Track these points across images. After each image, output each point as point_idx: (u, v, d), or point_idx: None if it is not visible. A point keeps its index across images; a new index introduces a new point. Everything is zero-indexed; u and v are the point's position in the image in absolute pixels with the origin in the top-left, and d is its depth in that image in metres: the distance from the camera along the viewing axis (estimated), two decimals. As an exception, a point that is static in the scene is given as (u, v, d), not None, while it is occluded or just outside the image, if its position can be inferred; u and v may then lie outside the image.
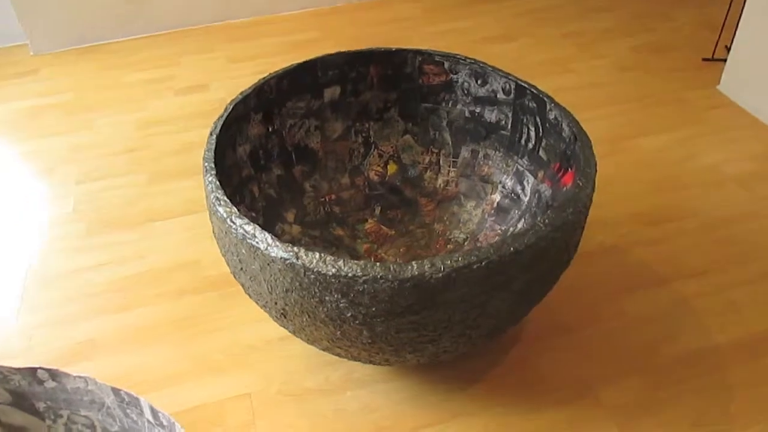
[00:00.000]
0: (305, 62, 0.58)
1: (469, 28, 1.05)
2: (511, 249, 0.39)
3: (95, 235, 0.68)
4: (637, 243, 0.65)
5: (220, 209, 0.43)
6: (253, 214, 0.57)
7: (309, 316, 0.42)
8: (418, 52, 0.59)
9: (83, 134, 0.83)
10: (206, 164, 0.46)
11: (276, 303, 0.43)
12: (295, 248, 0.39)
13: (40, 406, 0.36)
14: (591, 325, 0.57)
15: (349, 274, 0.38)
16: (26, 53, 1.03)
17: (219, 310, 0.60)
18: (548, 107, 0.53)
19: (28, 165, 0.79)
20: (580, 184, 0.44)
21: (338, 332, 0.42)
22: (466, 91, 0.60)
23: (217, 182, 0.44)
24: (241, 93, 0.54)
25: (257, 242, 0.41)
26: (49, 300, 0.61)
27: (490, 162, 0.61)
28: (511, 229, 0.58)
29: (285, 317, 0.44)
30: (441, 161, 0.64)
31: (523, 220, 0.58)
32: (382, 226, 0.64)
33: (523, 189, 0.59)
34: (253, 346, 0.56)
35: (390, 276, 0.38)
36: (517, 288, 0.42)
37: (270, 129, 0.59)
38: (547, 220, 0.41)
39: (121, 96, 0.90)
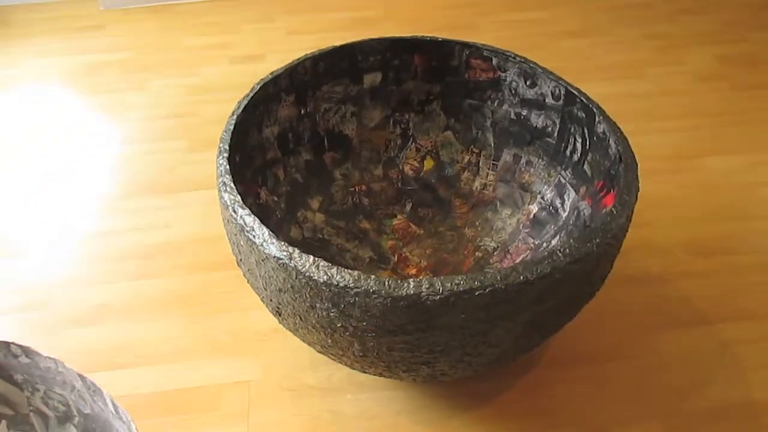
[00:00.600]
0: (343, 46, 0.55)
1: (545, 19, 0.99)
2: (521, 278, 0.36)
3: (128, 199, 0.68)
4: (684, 274, 0.59)
5: (225, 195, 0.41)
6: (275, 198, 0.55)
7: (301, 319, 0.40)
8: (465, 45, 0.55)
9: (135, 94, 0.84)
10: (221, 145, 0.45)
11: (271, 300, 0.41)
12: (290, 249, 0.37)
13: (18, 377, 0.36)
14: (616, 358, 0.53)
15: (341, 284, 0.36)
16: (96, 7, 1.04)
17: (233, 291, 0.59)
18: (597, 119, 0.49)
19: (77, 120, 0.80)
20: (614, 212, 0.40)
21: (329, 340, 0.40)
22: (513, 92, 0.56)
23: (227, 166, 0.43)
24: (271, 73, 0.52)
25: (254, 236, 0.39)
26: (73, 259, 0.62)
27: (531, 170, 0.57)
28: (545, 244, 0.54)
29: (279, 315, 0.42)
30: (481, 162, 0.60)
31: (558, 236, 0.54)
32: (411, 224, 0.61)
33: (562, 203, 0.54)
34: (260, 333, 0.55)
35: (383, 292, 0.35)
36: (525, 319, 0.38)
37: (302, 112, 0.57)
38: (567, 250, 0.37)
39: (177, 59, 0.90)
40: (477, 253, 0.58)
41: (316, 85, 0.56)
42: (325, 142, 0.59)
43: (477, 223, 0.60)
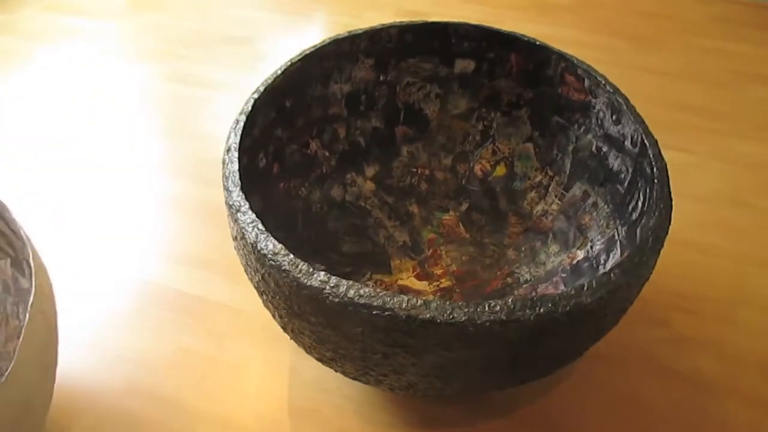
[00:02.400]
0: (436, 23, 0.52)
1: (746, 54, 0.84)
2: (492, 318, 0.32)
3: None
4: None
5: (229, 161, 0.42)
6: (327, 153, 0.55)
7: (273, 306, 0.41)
8: (562, 57, 0.49)
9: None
10: (247, 103, 0.45)
11: (251, 279, 0.42)
12: (258, 228, 0.37)
13: None
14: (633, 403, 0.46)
15: (295, 275, 0.35)
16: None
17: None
18: (656, 180, 0.41)
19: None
20: (617, 274, 0.34)
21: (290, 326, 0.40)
22: (600, 122, 0.49)
23: (238, 139, 0.43)
24: (348, 31, 0.51)
25: (232, 206, 0.40)
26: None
27: (594, 213, 0.51)
28: (571, 297, 0.48)
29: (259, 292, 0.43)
30: (551, 187, 0.55)
31: (586, 294, 0.47)
32: (460, 225, 0.58)
33: (605, 262, 0.48)
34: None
35: (357, 297, 0.34)
36: (502, 361, 0.35)
37: (381, 78, 0.55)
38: (554, 301, 0.33)
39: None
40: (508, 279, 0.54)
41: (401, 55, 0.54)
42: (401, 115, 0.57)
43: (523, 248, 0.55)
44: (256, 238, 0.36)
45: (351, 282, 0.33)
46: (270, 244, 0.35)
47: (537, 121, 0.54)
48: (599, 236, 0.49)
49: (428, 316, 0.32)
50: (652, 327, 0.53)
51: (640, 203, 0.45)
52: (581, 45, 0.82)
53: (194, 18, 0.87)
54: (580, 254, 0.51)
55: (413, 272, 0.55)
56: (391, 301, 0.33)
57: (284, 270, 0.34)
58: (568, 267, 0.51)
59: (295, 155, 0.53)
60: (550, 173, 0.54)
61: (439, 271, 0.56)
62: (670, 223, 0.38)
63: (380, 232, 0.57)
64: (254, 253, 0.36)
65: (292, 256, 0.35)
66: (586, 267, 0.49)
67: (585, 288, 0.33)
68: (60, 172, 0.65)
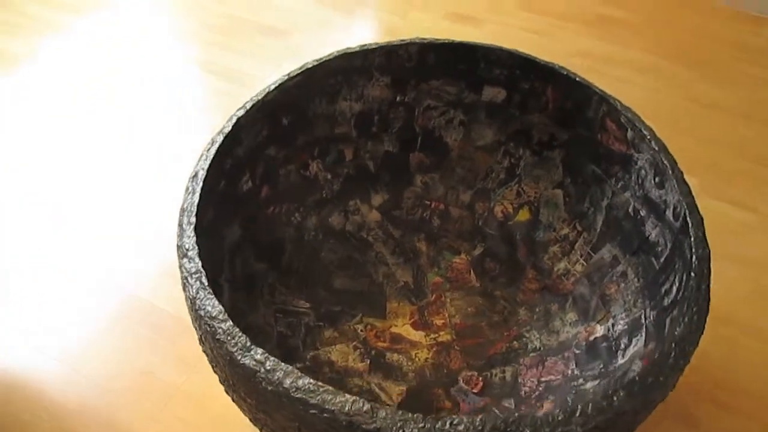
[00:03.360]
0: (463, 44, 0.45)
1: None
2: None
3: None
4: None
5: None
6: (329, 176, 0.50)
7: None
8: (604, 98, 0.42)
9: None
10: (229, 121, 0.40)
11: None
12: (201, 282, 0.32)
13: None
14: None
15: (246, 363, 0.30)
16: None
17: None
18: (693, 268, 0.34)
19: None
20: (622, 398, 0.27)
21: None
22: (640, 181, 0.42)
23: (207, 164, 0.37)
24: (361, 45, 0.45)
25: (180, 247, 0.34)
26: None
27: (622, 284, 0.43)
28: (580, 381, 0.41)
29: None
30: (577, 245, 0.47)
31: (598, 382, 0.40)
32: (471, 271, 0.51)
33: (626, 348, 0.40)
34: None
35: (293, 390, 0.29)
36: None
37: (398, 99, 0.49)
38: (535, 427, 0.26)
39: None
40: (515, 342, 0.47)
41: (423, 76, 0.48)
42: (419, 140, 0.51)
43: (537, 309, 0.48)
44: (196, 294, 0.30)
45: (289, 368, 0.28)
46: (209, 305, 0.30)
47: (570, 166, 0.47)
48: (624, 313, 0.42)
49: (373, 426, 0.26)
50: (677, 425, 0.45)
51: (674, 289, 0.37)
52: (638, 67, 0.73)
53: (238, 3, 0.82)
54: (600, 330, 0.43)
55: (410, 319, 0.49)
56: (333, 401, 0.27)
57: (218, 339, 0.29)
58: (584, 343, 0.44)
59: (291, 177, 0.47)
60: (579, 228, 0.47)
61: (439, 322, 0.49)
62: (701, 334, 0.30)
63: (380, 269, 0.51)
64: (192, 310, 0.31)
65: (230, 323, 0.29)
66: (603, 348, 0.42)
67: (578, 413, 0.27)
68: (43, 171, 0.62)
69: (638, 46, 0.76)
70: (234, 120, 0.39)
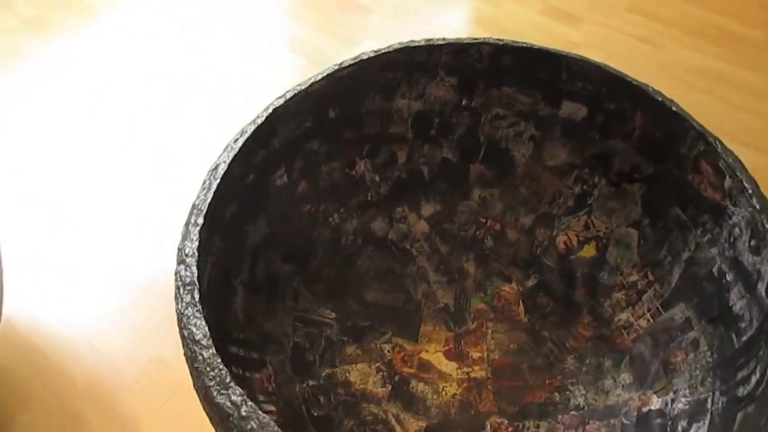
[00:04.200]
0: (544, 50, 0.39)
1: None
2: None
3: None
4: None
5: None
6: (377, 178, 0.45)
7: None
8: (702, 135, 0.35)
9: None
10: (266, 110, 0.36)
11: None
12: (192, 297, 0.29)
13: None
14: None
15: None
16: None
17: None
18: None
19: None
20: None
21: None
22: (732, 241, 0.35)
23: (229, 158, 0.33)
24: (427, 39, 0.40)
25: (181, 250, 0.31)
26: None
27: (691, 355, 0.37)
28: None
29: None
30: (645, 297, 0.41)
31: (644, 464, 0.35)
32: (521, 303, 0.46)
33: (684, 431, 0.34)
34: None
35: None
36: None
37: (464, 103, 0.44)
38: None
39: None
40: (557, 394, 0.41)
41: (494, 80, 0.42)
42: (482, 151, 0.46)
43: (587, 361, 0.42)
44: (185, 309, 0.27)
45: (265, 419, 0.24)
46: (194, 325, 0.26)
47: (651, 205, 0.41)
48: (688, 390, 0.36)
49: None
50: None
51: (753, 379, 0.31)
52: (754, 90, 0.64)
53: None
54: (656, 402, 0.37)
55: (444, 346, 0.44)
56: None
57: (197, 368, 0.25)
58: (635, 413, 0.38)
59: (334, 174, 0.43)
60: (651, 277, 0.41)
61: (476, 354, 0.44)
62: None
63: (420, 286, 0.46)
64: (179, 326, 0.27)
65: (212, 351, 0.26)
66: (656, 425, 0.36)
67: None
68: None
69: (758, 67, 0.67)
70: (270, 110, 0.35)
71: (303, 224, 0.42)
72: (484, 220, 0.47)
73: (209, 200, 0.31)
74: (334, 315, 0.43)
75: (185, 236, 0.29)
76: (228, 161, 0.33)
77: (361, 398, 0.41)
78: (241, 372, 0.35)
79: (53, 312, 0.47)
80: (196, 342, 0.26)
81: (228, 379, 0.25)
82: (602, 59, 0.67)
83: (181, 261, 0.28)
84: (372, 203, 0.46)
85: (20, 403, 0.42)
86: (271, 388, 0.37)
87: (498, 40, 0.39)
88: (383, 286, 0.46)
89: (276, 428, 0.23)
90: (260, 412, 0.24)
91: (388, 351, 0.44)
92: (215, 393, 0.24)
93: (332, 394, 0.40)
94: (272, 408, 0.36)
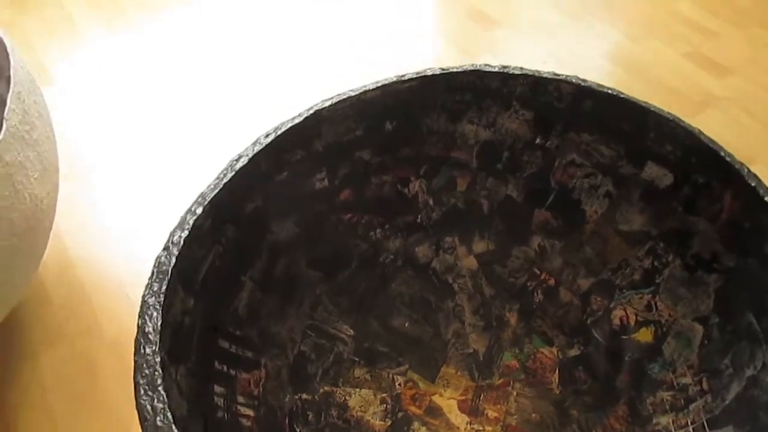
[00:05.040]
0: (631, 101, 0.34)
1: None
2: None
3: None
4: None
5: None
6: (431, 201, 0.43)
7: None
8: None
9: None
10: (310, 109, 0.35)
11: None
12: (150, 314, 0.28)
13: None
14: None
15: None
16: None
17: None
18: None
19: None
20: None
21: None
22: (802, 372, 0.28)
23: (253, 152, 0.32)
24: (504, 67, 0.36)
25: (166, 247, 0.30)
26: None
27: (724, 491, 0.31)
28: None
29: None
30: (693, 406, 0.35)
31: None
32: (557, 372, 0.41)
33: None
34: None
35: None
36: None
37: (538, 141, 0.40)
38: None
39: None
40: (565, 485, 0.37)
41: (574, 124, 0.38)
42: (551, 196, 0.41)
43: (610, 458, 0.37)
44: (148, 297, 0.26)
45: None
46: (149, 315, 0.26)
47: (725, 303, 0.34)
48: None
49: None
50: None
51: None
52: None
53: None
54: None
55: (461, 395, 0.41)
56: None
57: (136, 360, 0.25)
58: None
59: (385, 188, 0.41)
60: (705, 386, 0.35)
61: (492, 414, 0.40)
62: None
63: (452, 325, 0.43)
64: (140, 308, 0.27)
65: (155, 348, 0.25)
66: None
67: None
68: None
69: None
70: (313, 110, 0.34)
71: (340, 233, 0.41)
72: (538, 272, 0.43)
73: (217, 191, 0.30)
74: (352, 332, 0.41)
75: (180, 223, 0.28)
76: (251, 155, 0.31)
77: (355, 426, 0.39)
78: (225, 368, 0.34)
79: (104, 255, 0.49)
80: (145, 334, 0.25)
81: (158, 382, 0.24)
82: (742, 121, 0.59)
83: (165, 247, 0.28)
84: (421, 226, 0.43)
85: (53, 339, 0.45)
86: (257, 392, 0.36)
87: (581, 80, 0.35)
88: (413, 315, 0.43)
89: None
90: (175, 430, 0.22)
91: (400, 384, 0.41)
92: (142, 392, 0.23)
93: (324, 413, 0.38)
94: (250, 413, 0.35)
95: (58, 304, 0.47)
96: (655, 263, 0.38)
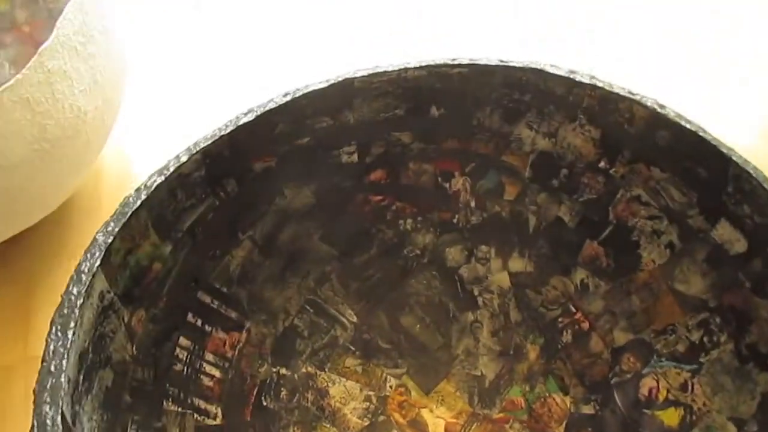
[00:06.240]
0: (712, 143, 0.28)
1: None
2: None
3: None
4: None
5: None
6: (473, 203, 0.39)
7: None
8: None
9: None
10: (339, 77, 0.32)
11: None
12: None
13: None
14: None
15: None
16: None
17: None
18: None
19: None
20: None
21: None
22: None
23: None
24: (569, 69, 0.31)
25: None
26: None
27: None
28: None
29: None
30: None
31: None
32: (563, 426, 0.36)
33: None
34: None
35: None
36: None
37: (602, 165, 0.34)
38: None
39: None
40: None
41: (645, 155, 0.32)
42: (605, 231, 0.36)
43: None
44: (97, 233, 0.25)
45: None
46: (88, 261, 0.25)
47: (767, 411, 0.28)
48: None
49: None
50: None
51: None
52: None
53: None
54: None
55: (452, 418, 0.38)
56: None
57: (46, 339, 0.24)
58: None
59: (423, 178, 0.38)
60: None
61: (481, 452, 0.37)
62: None
63: (465, 340, 0.39)
64: (88, 245, 0.26)
65: (80, 301, 0.24)
66: None
67: None
68: None
69: None
70: (342, 78, 0.31)
71: (365, 214, 0.38)
72: (573, 310, 0.38)
73: (212, 141, 0.28)
74: (355, 319, 0.39)
75: (161, 168, 0.27)
76: (260, 112, 0.29)
77: (328, 417, 0.37)
78: (199, 323, 0.33)
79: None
80: (79, 272, 0.24)
81: (71, 325, 0.23)
82: None
83: (137, 189, 0.26)
84: (456, 227, 0.39)
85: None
86: (231, 354, 0.35)
87: (659, 105, 0.29)
88: (426, 319, 0.40)
89: None
90: (64, 378, 0.21)
91: (391, 386, 0.38)
92: (52, 330, 0.23)
93: (300, 394, 0.37)
94: (216, 373, 0.34)
95: (108, 213, 0.48)
96: (705, 339, 0.32)
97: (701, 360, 0.32)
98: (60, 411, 0.21)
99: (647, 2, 0.58)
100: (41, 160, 0.36)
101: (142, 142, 0.51)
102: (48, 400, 0.21)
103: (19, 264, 0.45)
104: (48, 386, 0.21)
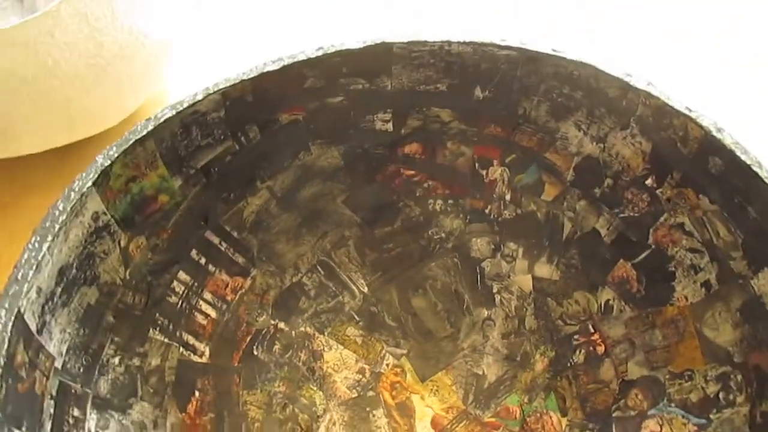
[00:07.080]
0: (764, 181, 0.24)
1: None
2: None
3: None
4: None
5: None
6: (508, 196, 0.36)
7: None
8: None
9: None
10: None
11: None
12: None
13: None
14: None
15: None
16: None
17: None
18: None
19: None
20: None
21: None
22: None
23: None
24: (625, 72, 0.28)
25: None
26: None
27: None
28: None
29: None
30: None
31: None
32: (553, 446, 0.34)
33: None
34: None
35: None
36: None
37: (649, 183, 0.31)
38: None
39: None
40: None
41: (694, 180, 0.28)
42: (642, 254, 0.33)
43: None
44: (69, 188, 0.26)
45: None
46: (62, 201, 0.25)
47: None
48: None
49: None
50: None
51: None
52: None
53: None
54: None
55: (442, 410, 0.37)
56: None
57: (25, 247, 0.24)
58: None
59: (460, 161, 0.36)
60: None
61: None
62: None
63: (473, 336, 0.38)
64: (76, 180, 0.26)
65: (62, 231, 0.24)
66: None
67: None
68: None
69: None
70: (378, 42, 0.29)
71: (394, 186, 0.36)
72: (592, 330, 0.35)
73: (231, 84, 0.28)
74: (366, 290, 0.38)
75: (174, 103, 0.27)
76: (288, 63, 0.28)
77: (317, 380, 0.37)
78: (203, 261, 0.33)
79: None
80: (71, 187, 0.24)
81: (49, 237, 0.23)
82: None
83: (147, 119, 0.26)
84: (487, 218, 0.37)
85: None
86: (230, 298, 0.35)
87: (716, 128, 0.25)
88: (438, 305, 0.38)
89: None
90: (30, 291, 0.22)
91: (388, 364, 0.37)
92: (32, 239, 0.23)
93: (293, 351, 0.37)
94: (211, 313, 0.34)
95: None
96: (721, 395, 0.29)
97: (711, 416, 0.29)
98: (13, 317, 0.21)
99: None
100: (96, 75, 0.37)
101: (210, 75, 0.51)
102: (6, 306, 0.22)
103: (76, 171, 0.47)
104: (10, 293, 0.22)
